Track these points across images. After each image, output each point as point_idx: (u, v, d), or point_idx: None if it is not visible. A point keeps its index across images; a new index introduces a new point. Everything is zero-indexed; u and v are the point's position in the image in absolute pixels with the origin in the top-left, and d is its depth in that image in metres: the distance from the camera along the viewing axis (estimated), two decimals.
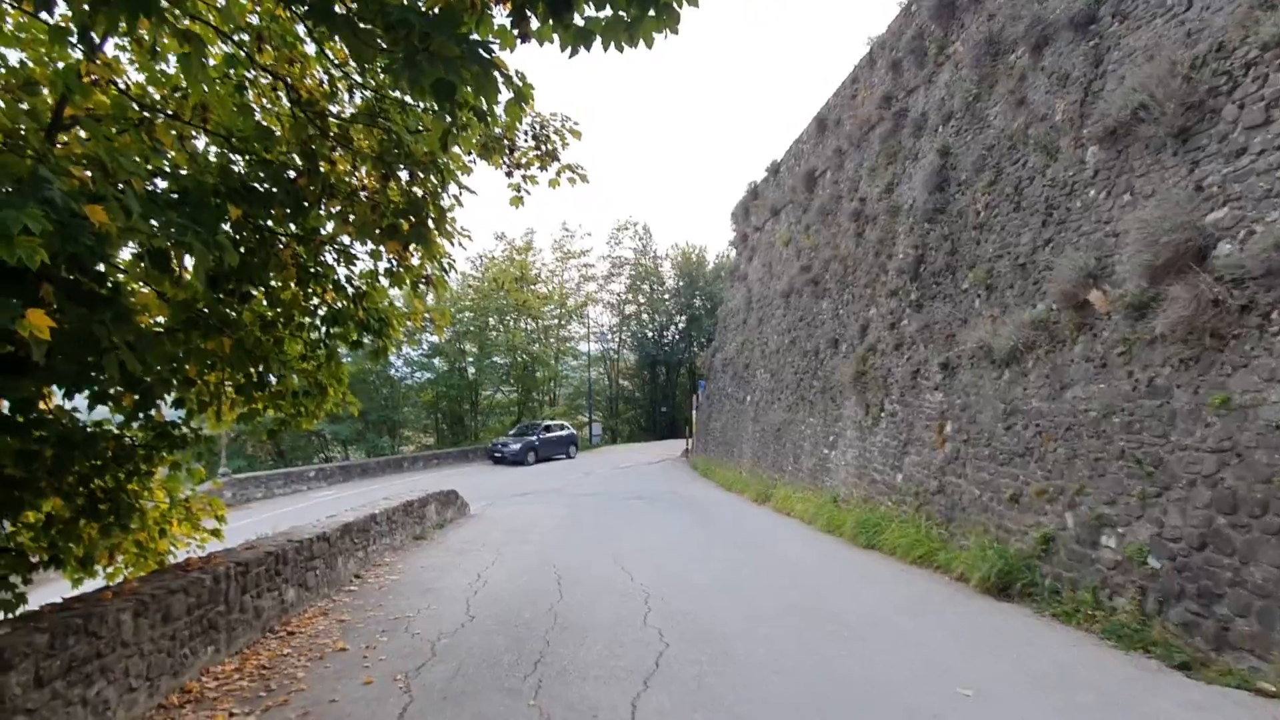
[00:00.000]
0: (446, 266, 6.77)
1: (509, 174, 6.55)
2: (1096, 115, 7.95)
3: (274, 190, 5.34)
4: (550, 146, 6.63)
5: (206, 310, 5.42)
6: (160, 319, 5.45)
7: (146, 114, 5.26)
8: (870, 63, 16.15)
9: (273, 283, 5.91)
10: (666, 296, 51.03)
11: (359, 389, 32.91)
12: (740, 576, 8.79)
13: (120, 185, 3.93)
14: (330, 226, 5.88)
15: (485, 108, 4.33)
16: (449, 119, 4.92)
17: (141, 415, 5.87)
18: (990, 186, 10.22)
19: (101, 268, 4.54)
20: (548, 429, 33.34)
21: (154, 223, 3.89)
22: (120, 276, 5.26)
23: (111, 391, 4.85)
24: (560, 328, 45.90)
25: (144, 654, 4.85)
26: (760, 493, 17.79)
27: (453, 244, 6.78)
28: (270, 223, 5.50)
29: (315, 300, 6.42)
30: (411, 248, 6.29)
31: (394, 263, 6.18)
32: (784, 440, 18.35)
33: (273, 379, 6.67)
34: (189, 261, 4.74)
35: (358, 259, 6.01)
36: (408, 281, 6.32)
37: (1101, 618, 6.37)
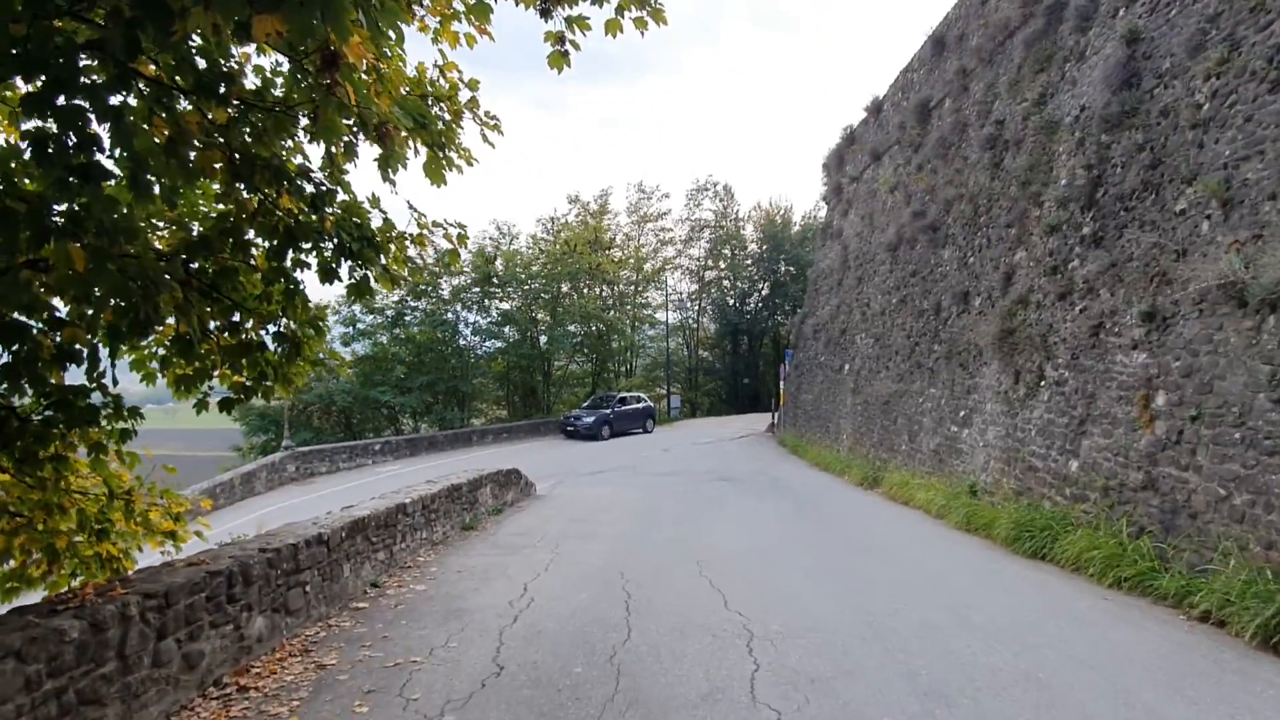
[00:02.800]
0: (452, 155, 4.56)
1: (545, 10, 4.24)
2: None
3: None
4: None
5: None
6: None
7: None
8: None
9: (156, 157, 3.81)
10: (749, 261, 47.96)
11: (427, 358, 31.62)
12: (877, 604, 6.40)
13: None
14: (237, 56, 3.75)
15: None
16: None
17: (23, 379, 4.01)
18: (1221, 65, 7.34)
19: None
20: (623, 401, 31.32)
21: None
22: None
23: None
24: (637, 295, 43.56)
25: None
26: (866, 476, 15.23)
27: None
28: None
29: (263, 210, 4.32)
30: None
31: (354, 131, 3.99)
32: (894, 414, 15.67)
33: (215, 326, 4.65)
34: None
35: (297, 119, 3.85)
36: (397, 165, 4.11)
37: None
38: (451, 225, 5.09)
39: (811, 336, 25.53)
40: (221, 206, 4.49)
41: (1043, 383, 9.75)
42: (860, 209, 21.76)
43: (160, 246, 4.50)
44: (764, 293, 48.45)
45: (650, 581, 7.28)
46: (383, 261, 4.78)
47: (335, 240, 4.54)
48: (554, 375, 38.50)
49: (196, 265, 4.59)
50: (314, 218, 4.34)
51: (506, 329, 34.83)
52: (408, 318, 32.10)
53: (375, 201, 4.85)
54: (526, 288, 34.72)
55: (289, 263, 4.61)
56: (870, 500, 13.43)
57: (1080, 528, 7.90)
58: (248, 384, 5.10)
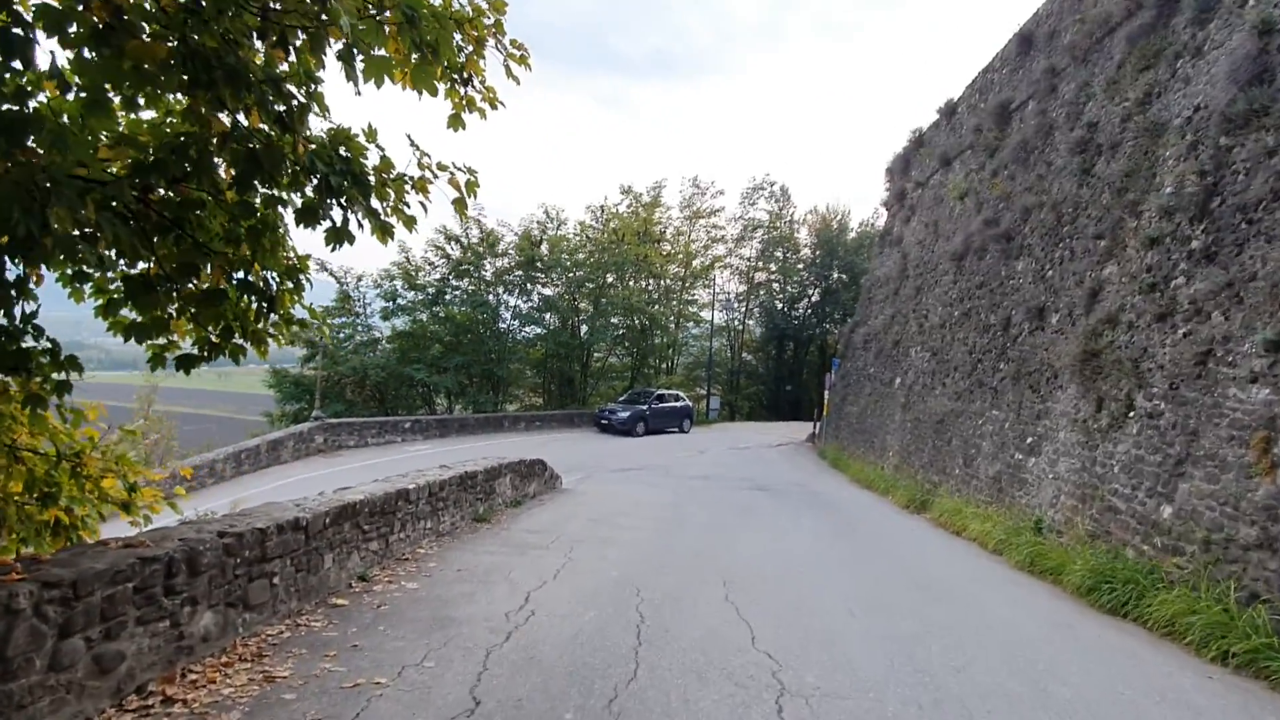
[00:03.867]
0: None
1: None
2: None
3: None
4: None
5: None
6: None
7: None
8: None
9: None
10: (800, 266, 46.54)
11: (465, 340, 31.10)
12: (934, 658, 5.43)
13: None
14: None
15: None
16: None
17: None
18: None
19: None
20: (661, 398, 30.43)
21: None
22: None
23: None
24: (683, 291, 42.53)
25: None
26: (913, 498, 14.12)
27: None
28: None
29: (234, 135, 3.54)
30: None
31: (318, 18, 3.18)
32: (948, 435, 14.51)
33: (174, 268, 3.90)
34: None
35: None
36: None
37: None
38: (460, 170, 4.26)
39: (861, 346, 24.34)
40: (187, 127, 3.73)
41: (1131, 413, 8.60)
42: (924, 215, 20.55)
43: (116, 170, 3.76)
44: (814, 299, 47.05)
45: (669, 603, 6.40)
46: (375, 205, 3.98)
47: (317, 176, 3.76)
48: (592, 366, 37.73)
49: (158, 195, 3.87)
50: (286, 138, 3.55)
51: (547, 315, 34.15)
52: (448, 296, 31.63)
53: (372, 134, 4.05)
54: (571, 275, 33.97)
55: (258, 198, 3.84)
56: (917, 526, 12.35)
57: (1173, 585, 6.79)
58: (213, 339, 4.37)
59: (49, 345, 4.06)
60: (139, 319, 4.10)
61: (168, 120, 3.91)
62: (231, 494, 18.22)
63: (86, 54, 3.05)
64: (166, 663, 4.12)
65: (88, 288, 4.34)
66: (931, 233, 19.37)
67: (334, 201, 3.85)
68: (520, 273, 32.45)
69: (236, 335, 4.35)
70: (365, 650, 4.83)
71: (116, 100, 3.38)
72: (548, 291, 34.00)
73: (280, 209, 3.96)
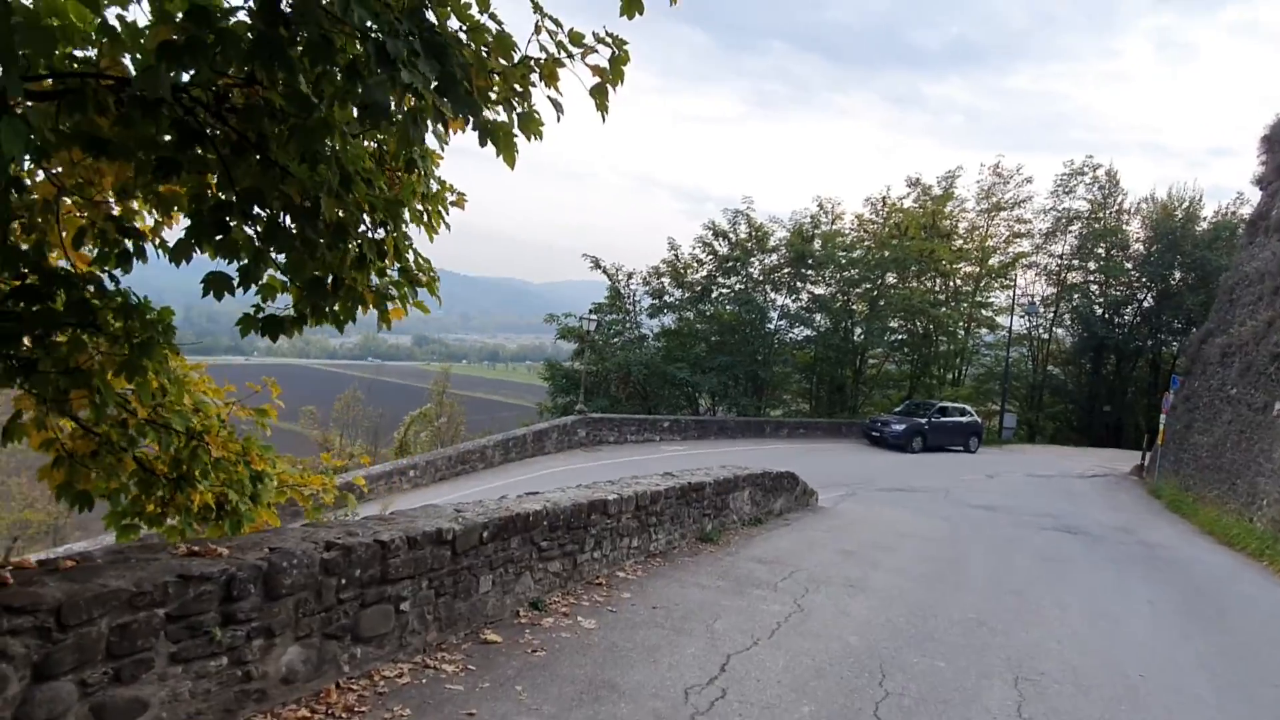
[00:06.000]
0: None
1: None
2: None
3: None
4: None
5: None
6: None
7: None
8: None
9: None
10: (1129, 264, 38.93)
11: (731, 340, 30.05)
12: None
13: None
14: None
15: None
16: None
17: None
18: None
19: None
20: (943, 411, 26.83)
21: None
22: None
23: None
24: (976, 293, 37.49)
25: None
26: None
27: None
28: None
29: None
30: None
31: None
32: None
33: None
34: None
35: None
36: None
37: None
38: (604, 42, 2.81)
39: (1217, 362, 19.12)
40: None
41: None
42: None
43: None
44: (1145, 304, 39.13)
45: (927, 708, 4.42)
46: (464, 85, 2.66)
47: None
48: (866, 373, 34.70)
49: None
50: None
51: (818, 316, 31.92)
52: (714, 294, 30.83)
53: None
54: (845, 274, 31.40)
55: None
56: None
57: None
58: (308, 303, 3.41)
59: (118, 292, 3.34)
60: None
61: None
62: (497, 480, 18.86)
63: None
64: (222, 712, 3.19)
65: None
66: None
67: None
68: (789, 270, 30.63)
69: (326, 294, 3.33)
70: None
71: None
72: (819, 290, 31.79)
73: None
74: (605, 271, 30.27)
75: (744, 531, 9.56)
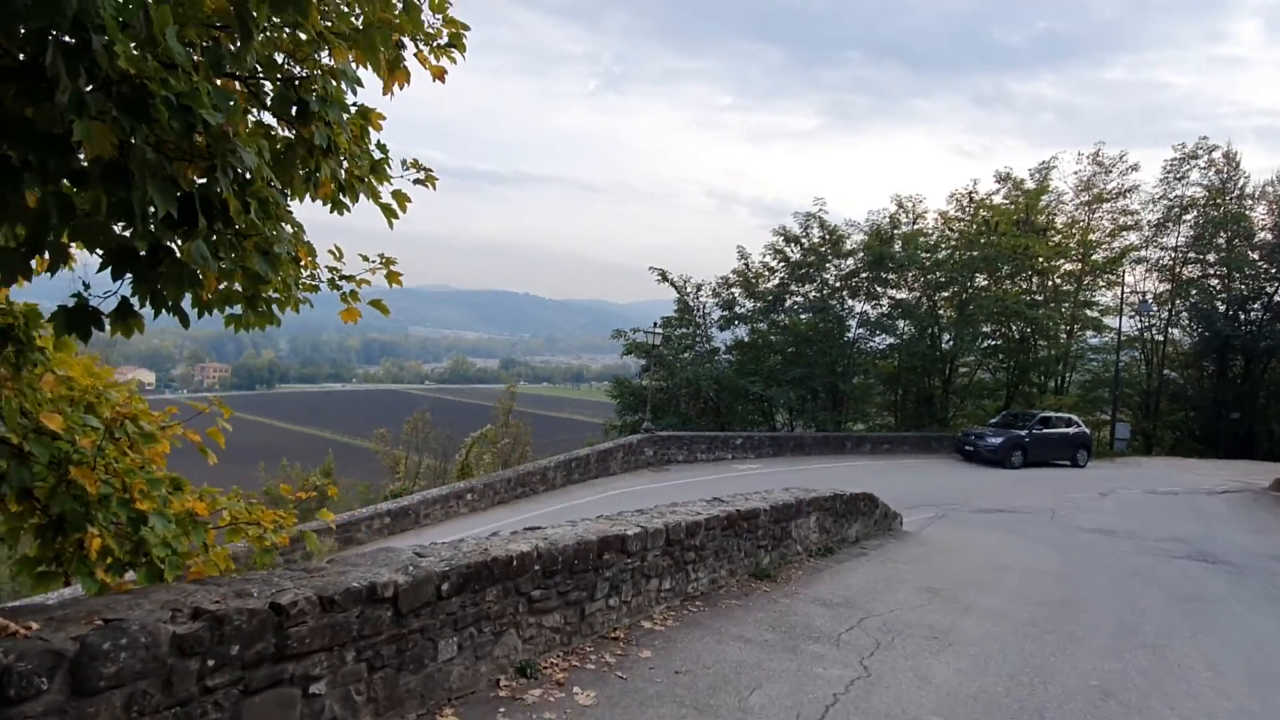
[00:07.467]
0: None
1: None
2: None
3: None
4: None
5: None
6: None
7: None
8: None
9: None
10: (1255, 255, 35.11)
11: (807, 350, 28.40)
12: None
13: None
14: None
15: None
16: None
17: None
18: None
19: None
20: (1046, 422, 24.44)
21: None
22: None
23: None
24: (1078, 292, 34.42)
25: None
26: None
27: None
28: None
29: None
30: None
31: None
32: None
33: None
34: None
35: None
36: None
37: None
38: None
39: None
40: None
41: None
42: None
43: None
44: (1276, 297, 35.23)
45: None
46: None
47: None
48: (956, 382, 32.28)
49: None
50: None
51: (901, 323, 29.86)
52: (788, 303, 29.28)
53: None
54: (929, 277, 29.31)
55: None
56: None
57: None
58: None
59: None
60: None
61: None
62: (557, 504, 17.94)
63: None
64: None
65: None
66: None
67: None
68: (867, 274, 28.76)
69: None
70: None
71: None
72: (900, 295, 29.77)
73: None
74: (673, 284, 29.22)
75: (809, 564, 8.24)
